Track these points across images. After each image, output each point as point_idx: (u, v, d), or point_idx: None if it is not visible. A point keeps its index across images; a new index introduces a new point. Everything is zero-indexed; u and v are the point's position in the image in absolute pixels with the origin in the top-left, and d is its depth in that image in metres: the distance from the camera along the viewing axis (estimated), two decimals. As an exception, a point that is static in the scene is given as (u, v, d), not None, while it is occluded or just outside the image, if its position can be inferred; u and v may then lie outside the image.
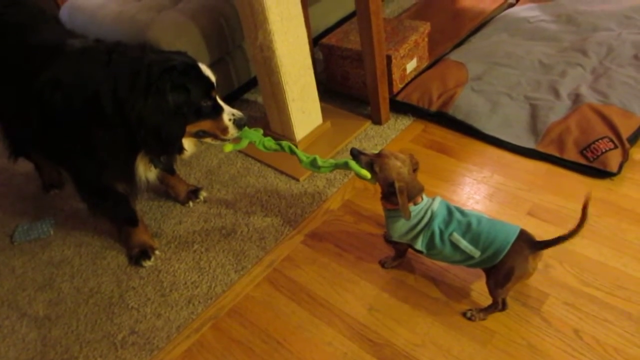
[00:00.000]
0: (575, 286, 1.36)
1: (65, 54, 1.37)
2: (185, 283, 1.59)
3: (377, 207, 1.69)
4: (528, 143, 1.81)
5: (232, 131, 1.41)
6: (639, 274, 1.36)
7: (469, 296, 1.39)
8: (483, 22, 2.57)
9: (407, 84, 2.19)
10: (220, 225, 1.77)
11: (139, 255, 1.67)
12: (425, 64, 2.30)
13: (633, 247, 1.44)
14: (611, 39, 2.18)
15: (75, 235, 1.84)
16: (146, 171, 1.47)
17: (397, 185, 1.24)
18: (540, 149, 1.78)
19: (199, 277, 1.60)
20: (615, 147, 1.68)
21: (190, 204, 1.87)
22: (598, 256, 1.43)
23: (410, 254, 1.49)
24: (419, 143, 1.96)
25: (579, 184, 1.65)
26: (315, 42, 2.37)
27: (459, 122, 1.96)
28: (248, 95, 2.45)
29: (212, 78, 1.36)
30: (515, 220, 1.40)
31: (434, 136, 1.98)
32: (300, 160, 1.46)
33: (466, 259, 1.27)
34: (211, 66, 1.42)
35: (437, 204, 1.31)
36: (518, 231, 1.21)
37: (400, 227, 1.32)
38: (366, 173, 1.32)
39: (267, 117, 2.03)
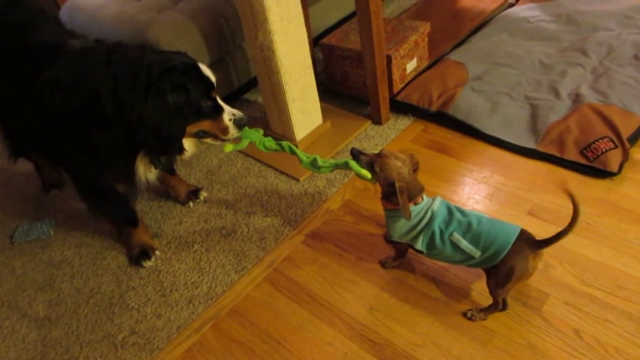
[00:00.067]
0: (575, 286, 1.36)
1: (66, 54, 1.37)
2: (186, 283, 1.59)
3: (377, 207, 1.69)
4: (528, 143, 1.81)
5: (233, 131, 1.41)
6: (639, 274, 1.36)
7: (469, 296, 1.39)
8: (483, 22, 2.57)
9: (407, 84, 2.19)
10: (220, 225, 1.77)
11: (139, 255, 1.67)
12: (425, 64, 2.30)
13: (633, 247, 1.44)
14: (611, 38, 2.18)
15: (76, 236, 1.84)
16: (146, 171, 1.47)
17: (397, 185, 1.24)
18: (541, 148, 1.78)
19: (199, 277, 1.60)
20: (616, 147, 1.68)
21: (191, 204, 1.87)
22: (598, 256, 1.43)
23: (411, 254, 1.49)
24: (419, 143, 1.96)
25: (579, 184, 1.65)
26: (315, 42, 2.37)
27: (459, 122, 1.96)
28: (248, 95, 2.45)
29: (212, 78, 1.36)
30: (515, 220, 1.40)
31: (434, 136, 1.98)
32: (301, 161, 1.46)
33: (466, 259, 1.27)
34: (211, 66, 1.42)
35: (437, 204, 1.31)
36: (518, 231, 1.21)
37: (401, 227, 1.32)
38: (366, 173, 1.32)
39: (267, 117, 2.03)
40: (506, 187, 1.69)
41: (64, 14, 2.32)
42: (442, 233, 1.28)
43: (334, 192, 1.81)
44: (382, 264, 1.52)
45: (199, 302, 1.52)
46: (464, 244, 1.24)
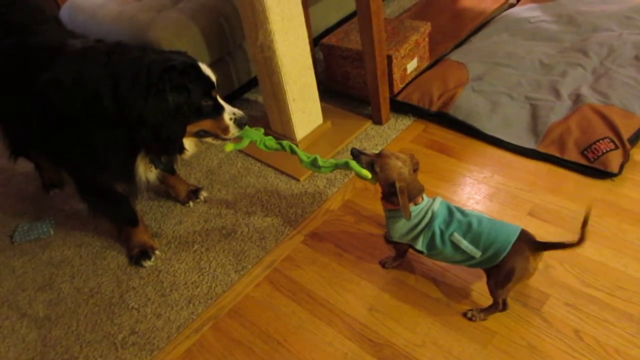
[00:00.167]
0: (575, 287, 1.36)
1: (66, 54, 1.37)
2: (186, 283, 1.59)
3: (377, 207, 1.69)
4: (529, 143, 1.81)
5: (233, 130, 1.41)
6: (639, 275, 1.37)
7: (469, 296, 1.39)
8: (484, 22, 2.57)
9: (407, 84, 2.19)
10: (220, 225, 1.77)
11: (139, 255, 1.67)
12: (425, 64, 2.29)
13: (633, 247, 1.43)
14: (612, 39, 2.18)
15: (76, 236, 1.84)
16: (146, 171, 1.47)
17: (398, 185, 1.24)
18: (541, 149, 1.78)
19: (199, 277, 1.60)
20: (616, 147, 1.68)
21: (191, 204, 1.87)
22: (599, 257, 1.42)
23: (411, 254, 1.48)
24: (420, 143, 1.96)
25: (579, 185, 1.65)
26: (315, 42, 2.37)
27: (460, 122, 1.96)
28: (248, 95, 2.45)
29: (213, 77, 1.35)
30: (515, 221, 1.40)
31: (435, 136, 1.98)
32: (301, 160, 1.45)
33: (467, 259, 1.27)
34: (212, 66, 1.42)
35: (437, 204, 1.31)
36: (519, 231, 1.21)
37: (401, 228, 1.32)
38: (367, 173, 1.32)
39: (268, 117, 2.03)
40: (506, 187, 1.69)
41: (64, 13, 2.32)
42: (442, 233, 1.28)
43: (334, 192, 1.81)
44: (382, 264, 1.52)
45: (199, 302, 1.52)
46: (465, 244, 1.24)
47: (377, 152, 1.34)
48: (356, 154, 1.35)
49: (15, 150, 1.81)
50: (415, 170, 1.33)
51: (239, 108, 1.43)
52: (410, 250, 1.41)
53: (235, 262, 1.62)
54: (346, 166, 1.36)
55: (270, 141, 1.49)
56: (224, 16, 2.06)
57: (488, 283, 1.27)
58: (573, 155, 1.72)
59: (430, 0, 2.81)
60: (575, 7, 2.46)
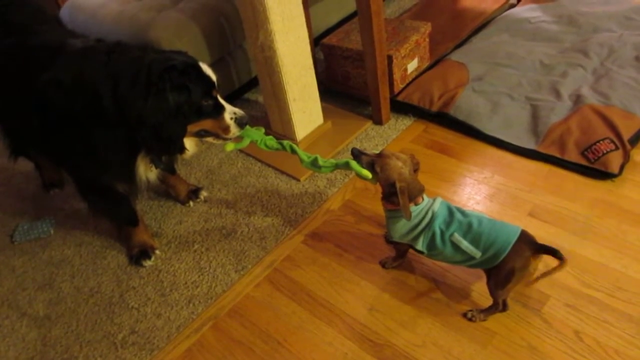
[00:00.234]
0: (575, 287, 1.36)
1: (66, 54, 1.37)
2: (186, 283, 1.59)
3: (377, 208, 1.69)
4: (529, 144, 1.81)
5: (234, 130, 1.41)
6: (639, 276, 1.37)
7: (469, 297, 1.39)
8: (484, 23, 2.56)
9: (408, 84, 2.19)
10: (220, 225, 1.77)
11: (139, 255, 1.67)
12: (426, 64, 2.29)
13: (634, 248, 1.43)
14: (612, 40, 2.18)
15: (76, 235, 1.84)
16: (147, 171, 1.47)
17: (398, 185, 1.24)
18: (541, 149, 1.78)
19: (199, 277, 1.60)
20: (617, 148, 1.68)
21: (191, 203, 1.87)
22: (599, 257, 1.42)
23: (411, 254, 1.48)
24: (420, 143, 1.96)
25: (580, 185, 1.65)
26: (316, 42, 2.37)
27: (460, 123, 1.96)
28: (249, 95, 2.45)
29: (213, 77, 1.35)
30: (516, 221, 1.40)
31: (435, 136, 1.98)
32: (301, 160, 1.45)
33: (467, 260, 1.27)
34: (212, 66, 1.42)
35: (437, 205, 1.30)
36: (519, 232, 1.20)
37: (401, 228, 1.32)
38: (367, 173, 1.32)
39: (268, 116, 2.03)
40: (507, 187, 1.69)
41: (64, 13, 2.32)
42: (442, 233, 1.28)
43: (335, 192, 1.81)
44: (383, 265, 1.52)
45: (199, 301, 1.52)
46: (465, 244, 1.24)
47: (377, 152, 1.34)
48: (357, 154, 1.35)
49: (16, 150, 1.81)
50: (415, 171, 1.33)
51: (239, 108, 1.43)
52: (411, 250, 1.41)
53: (235, 262, 1.62)
54: (347, 166, 1.36)
55: (271, 141, 1.49)
56: (224, 16, 2.06)
57: (488, 283, 1.27)
58: (573, 155, 1.72)
59: (431, 0, 2.81)
60: (576, 8, 2.46)
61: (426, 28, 2.17)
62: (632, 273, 1.37)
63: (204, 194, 1.89)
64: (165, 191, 1.90)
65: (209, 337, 1.43)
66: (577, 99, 1.90)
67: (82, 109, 1.28)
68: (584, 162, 1.69)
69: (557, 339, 1.26)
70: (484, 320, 1.32)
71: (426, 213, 1.30)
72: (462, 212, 1.29)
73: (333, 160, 1.42)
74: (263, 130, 1.51)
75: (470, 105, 1.99)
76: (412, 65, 2.19)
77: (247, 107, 2.35)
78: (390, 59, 2.01)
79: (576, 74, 2.03)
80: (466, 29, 2.52)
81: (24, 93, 1.39)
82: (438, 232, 1.28)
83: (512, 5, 2.68)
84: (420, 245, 1.32)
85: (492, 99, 2.00)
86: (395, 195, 1.25)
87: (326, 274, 1.53)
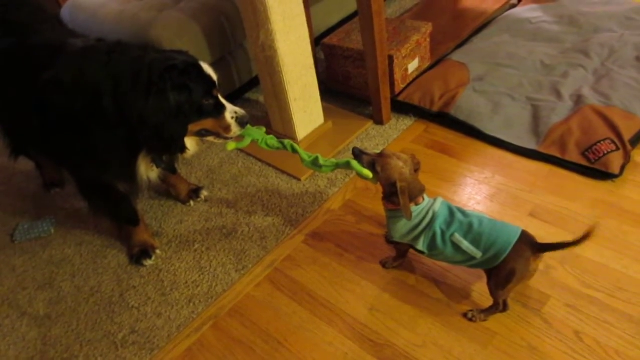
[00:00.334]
0: (576, 288, 1.36)
1: (67, 53, 1.37)
2: (186, 282, 1.59)
3: (378, 207, 1.69)
4: (530, 144, 1.81)
5: (235, 129, 1.41)
6: (641, 276, 1.37)
7: (470, 297, 1.39)
8: (485, 23, 2.56)
9: (408, 84, 2.19)
10: (221, 224, 1.77)
11: (140, 254, 1.67)
12: (427, 65, 2.29)
13: (634, 249, 1.43)
14: (613, 40, 2.17)
15: (76, 234, 1.84)
16: (148, 170, 1.47)
17: (399, 185, 1.24)
18: (542, 150, 1.78)
19: (199, 276, 1.60)
20: (617, 148, 1.68)
21: (192, 203, 1.87)
22: (599, 258, 1.42)
23: (412, 254, 1.48)
24: (421, 143, 1.96)
25: (580, 186, 1.65)
26: (317, 41, 2.36)
27: (461, 123, 1.96)
28: (250, 95, 2.45)
29: (214, 76, 1.35)
30: (516, 222, 1.40)
31: (436, 137, 1.98)
32: (302, 160, 1.45)
33: (468, 260, 1.27)
34: (213, 65, 1.42)
35: (438, 205, 1.30)
36: (519, 232, 1.20)
37: (402, 228, 1.32)
38: (368, 173, 1.32)
39: (269, 116, 2.03)
40: (507, 188, 1.69)
41: (65, 12, 2.32)
42: (443, 234, 1.28)
43: (335, 192, 1.81)
44: (383, 265, 1.52)
45: (200, 301, 1.52)
46: (465, 244, 1.24)
47: (378, 152, 1.34)
48: (357, 154, 1.35)
49: (16, 149, 1.81)
50: (416, 171, 1.33)
51: (240, 107, 1.43)
52: (411, 250, 1.41)
53: (235, 262, 1.62)
54: (347, 166, 1.36)
55: (272, 140, 1.49)
56: (225, 15, 2.06)
57: (488, 284, 1.27)
58: (574, 156, 1.72)
59: (432, 0, 2.81)
60: (577, 8, 2.46)
61: (427, 28, 2.17)
62: (632, 273, 1.37)
63: (204, 193, 1.89)
64: (166, 191, 1.90)
65: (210, 337, 1.43)
66: (578, 100, 1.90)
67: (83, 109, 1.28)
68: (584, 162, 1.69)
69: (558, 339, 1.26)
70: (485, 320, 1.32)
71: (427, 213, 1.30)
72: (463, 212, 1.29)
73: (334, 160, 1.42)
74: (264, 129, 1.51)
75: (471, 105, 1.99)
76: (413, 65, 2.19)
77: (248, 106, 2.35)
78: (391, 59, 2.01)
79: (577, 75, 2.03)
80: (467, 29, 2.52)
81: (25, 92, 1.39)
82: (439, 232, 1.28)
83: (513, 6, 2.68)
84: (420, 245, 1.32)
85: (493, 99, 2.00)
86: (396, 195, 1.25)
87: (327, 273, 1.53)
